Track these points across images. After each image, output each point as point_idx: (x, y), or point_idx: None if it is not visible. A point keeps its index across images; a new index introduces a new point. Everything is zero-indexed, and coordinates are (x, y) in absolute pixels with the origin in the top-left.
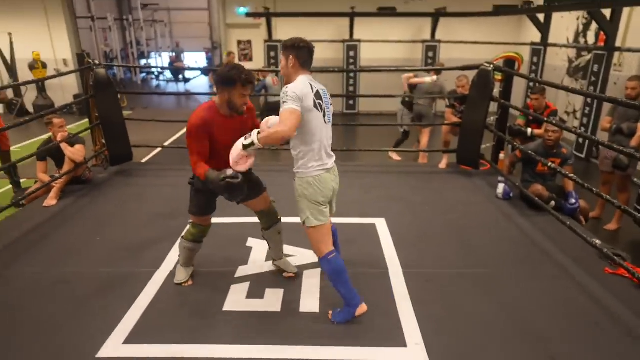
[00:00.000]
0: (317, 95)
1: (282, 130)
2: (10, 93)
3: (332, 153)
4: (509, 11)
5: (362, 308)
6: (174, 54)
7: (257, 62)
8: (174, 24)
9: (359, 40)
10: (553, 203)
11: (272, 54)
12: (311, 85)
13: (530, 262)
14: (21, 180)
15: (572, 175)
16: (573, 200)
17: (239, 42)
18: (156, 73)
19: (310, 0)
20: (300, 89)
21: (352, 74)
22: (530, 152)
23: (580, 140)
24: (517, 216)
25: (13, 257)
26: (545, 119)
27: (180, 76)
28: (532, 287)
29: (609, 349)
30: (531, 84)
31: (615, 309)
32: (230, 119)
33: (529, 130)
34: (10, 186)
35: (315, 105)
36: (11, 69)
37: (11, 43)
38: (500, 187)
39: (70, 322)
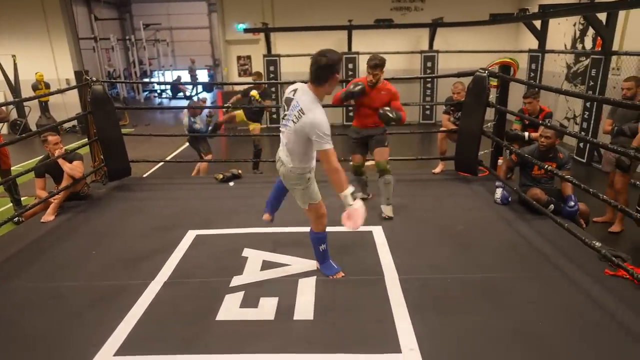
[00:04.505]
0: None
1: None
2: (14, 113)
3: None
4: (505, 19)
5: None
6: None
7: None
8: (176, 43)
9: (357, 53)
10: (552, 206)
11: (272, 68)
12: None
13: (529, 265)
14: (22, 198)
15: (570, 177)
16: (572, 203)
17: (239, 58)
18: (159, 91)
19: (308, 14)
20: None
21: None
22: (525, 155)
23: (581, 145)
24: (516, 220)
25: (9, 272)
26: (540, 122)
27: (181, 93)
28: (531, 290)
29: (610, 349)
30: None
31: (616, 310)
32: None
33: (526, 134)
34: (11, 204)
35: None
36: (15, 90)
37: (15, 65)
38: (498, 192)
39: (63, 336)
